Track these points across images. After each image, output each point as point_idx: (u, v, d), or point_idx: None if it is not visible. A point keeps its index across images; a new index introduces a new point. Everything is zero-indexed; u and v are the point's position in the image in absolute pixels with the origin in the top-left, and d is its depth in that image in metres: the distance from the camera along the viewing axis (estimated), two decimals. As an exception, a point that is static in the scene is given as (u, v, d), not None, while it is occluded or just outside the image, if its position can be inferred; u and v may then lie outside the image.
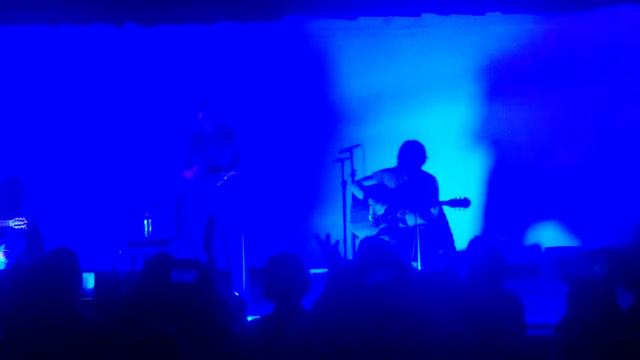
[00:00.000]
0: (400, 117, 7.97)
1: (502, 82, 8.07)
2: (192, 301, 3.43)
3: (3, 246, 6.64)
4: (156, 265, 3.76)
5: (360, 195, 6.80)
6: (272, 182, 7.95)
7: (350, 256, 6.91)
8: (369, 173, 6.97)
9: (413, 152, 6.64)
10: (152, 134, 8.07)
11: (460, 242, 6.40)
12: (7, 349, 3.33)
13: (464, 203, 6.42)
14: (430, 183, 6.71)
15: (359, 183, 6.89)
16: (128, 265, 7.01)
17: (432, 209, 6.49)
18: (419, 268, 6.24)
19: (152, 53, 8.18)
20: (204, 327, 3.38)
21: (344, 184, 7.08)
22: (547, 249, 7.79)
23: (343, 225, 7.03)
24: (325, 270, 4.04)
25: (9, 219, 6.65)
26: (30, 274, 3.61)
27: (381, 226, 6.66)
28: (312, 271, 3.82)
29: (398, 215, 6.63)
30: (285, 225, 7.97)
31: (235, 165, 6.69)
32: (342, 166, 7.13)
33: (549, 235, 7.98)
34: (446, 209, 6.61)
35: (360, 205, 6.82)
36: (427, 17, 7.80)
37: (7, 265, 6.49)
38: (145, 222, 7.09)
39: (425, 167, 6.73)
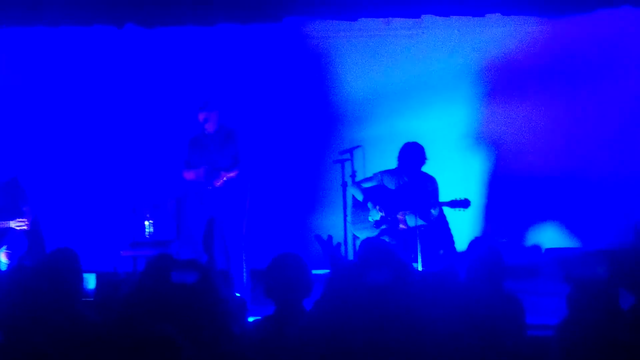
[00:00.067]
0: (400, 118, 7.98)
1: (501, 83, 8.07)
2: (193, 302, 3.43)
3: (4, 247, 6.65)
4: (157, 266, 3.76)
5: (360, 197, 6.81)
6: (273, 183, 7.95)
7: (351, 257, 6.91)
8: (369, 174, 6.98)
9: (413, 154, 6.65)
10: (152, 135, 8.07)
11: (461, 243, 6.41)
12: (9, 350, 3.34)
13: (464, 204, 6.42)
14: (430, 184, 6.71)
15: (358, 185, 6.89)
16: (129, 266, 7.02)
17: (432, 210, 6.49)
18: (420, 269, 6.24)
19: (152, 54, 8.19)
20: (204, 328, 3.38)
21: (344, 185, 7.08)
22: (547, 249, 7.79)
23: (343, 226, 7.03)
24: (327, 271, 4.05)
25: (10, 220, 6.67)
26: (32, 275, 3.62)
27: (382, 227, 6.67)
28: (313, 272, 3.82)
29: (398, 216, 6.64)
30: (286, 226, 7.98)
31: (235, 167, 6.69)
32: (343, 167, 7.14)
33: (549, 236, 7.98)
34: (446, 210, 6.62)
35: (360, 206, 6.83)
36: (427, 19, 7.80)
37: (9, 266, 6.49)
38: (146, 223, 7.10)
39: (425, 168, 6.73)
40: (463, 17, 7.75)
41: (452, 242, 6.65)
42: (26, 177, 7.15)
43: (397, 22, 7.99)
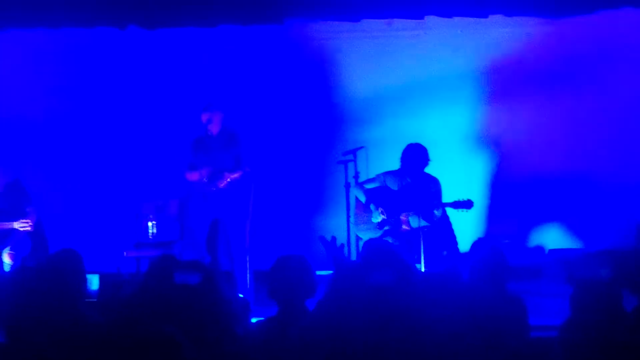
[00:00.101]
0: (403, 119, 7.98)
1: (504, 84, 8.07)
2: (196, 303, 3.43)
3: (8, 248, 6.66)
4: (160, 266, 3.77)
5: (362, 199, 6.81)
6: (276, 184, 7.95)
7: (354, 258, 6.91)
8: (372, 175, 6.98)
9: (416, 155, 6.65)
10: (155, 137, 8.07)
11: (464, 244, 6.40)
12: (12, 350, 3.34)
13: (466, 205, 6.42)
14: (433, 185, 6.71)
15: (361, 186, 6.89)
16: (132, 267, 7.03)
17: (435, 211, 6.49)
18: (423, 270, 6.24)
19: (154, 56, 8.19)
20: (207, 329, 3.38)
21: (347, 186, 7.08)
22: (551, 250, 7.78)
23: (347, 227, 7.03)
24: (330, 272, 4.05)
25: (13, 221, 6.68)
26: (35, 276, 3.63)
27: (385, 228, 6.67)
28: (317, 273, 3.82)
29: (401, 217, 6.64)
30: (289, 227, 7.98)
31: (238, 168, 6.70)
32: (346, 168, 7.13)
33: (552, 237, 7.98)
34: (449, 211, 6.61)
35: (363, 207, 6.83)
36: (430, 20, 7.80)
37: (12, 267, 6.51)
38: (149, 224, 7.11)
39: (429, 169, 6.74)
40: (466, 18, 7.75)
41: (455, 243, 6.65)
42: (29, 178, 7.16)
43: (399, 23, 7.99)
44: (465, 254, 4.50)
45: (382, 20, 7.97)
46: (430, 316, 3.37)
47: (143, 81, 8.17)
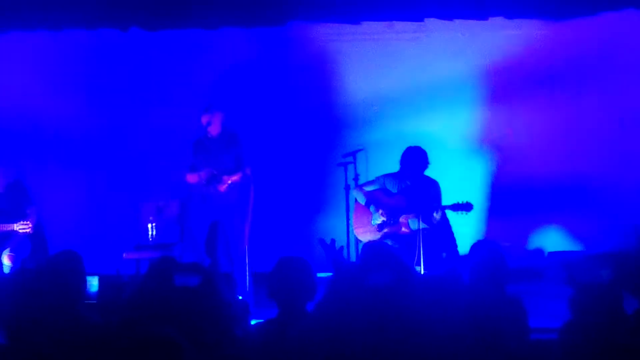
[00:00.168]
0: (403, 121, 7.98)
1: (504, 86, 8.07)
2: (196, 305, 3.43)
3: (8, 250, 6.66)
4: (159, 268, 3.77)
5: (362, 200, 6.81)
6: (276, 186, 7.96)
7: (353, 260, 6.91)
8: (372, 177, 6.98)
9: (415, 158, 6.65)
10: (156, 138, 8.08)
11: (464, 246, 6.40)
12: (12, 352, 3.34)
13: (466, 207, 6.42)
14: (432, 188, 6.72)
15: (361, 188, 6.89)
16: (132, 268, 7.02)
17: (434, 214, 6.49)
18: (422, 272, 6.24)
19: (156, 57, 8.20)
20: (207, 331, 3.38)
21: (347, 188, 7.08)
22: (550, 253, 7.78)
23: (346, 229, 7.03)
24: (329, 274, 4.05)
25: (13, 223, 6.67)
26: (35, 277, 3.63)
27: (384, 230, 6.67)
28: (317, 275, 3.82)
29: (400, 220, 6.64)
30: (289, 229, 7.98)
31: (238, 170, 6.70)
32: (346, 170, 7.14)
33: (551, 240, 7.98)
34: (449, 213, 6.61)
35: (363, 209, 6.83)
36: (430, 22, 7.80)
37: (12, 268, 6.51)
38: (149, 225, 7.10)
39: (428, 172, 6.74)
40: (466, 20, 7.75)
41: (455, 246, 6.65)
42: (30, 179, 7.16)
43: (400, 25, 7.99)
44: (465, 256, 4.50)
45: (383, 23, 7.97)
46: (430, 318, 3.37)
47: (145, 83, 8.18)
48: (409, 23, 7.89)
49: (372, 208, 6.73)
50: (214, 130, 6.77)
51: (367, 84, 8.15)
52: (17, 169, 7.11)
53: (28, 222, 6.70)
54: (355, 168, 7.12)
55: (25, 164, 7.61)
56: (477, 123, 8.12)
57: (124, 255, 7.07)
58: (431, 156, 6.73)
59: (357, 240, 6.94)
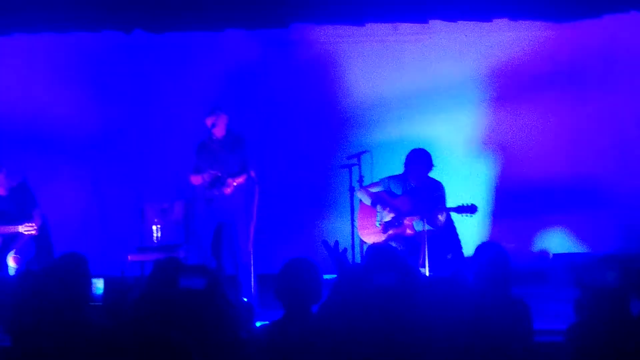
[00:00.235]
0: (407, 123, 7.98)
1: (508, 88, 8.06)
2: (201, 307, 3.44)
3: (13, 251, 6.67)
4: (164, 268, 3.78)
5: (367, 201, 6.81)
6: (280, 188, 7.96)
7: (358, 262, 6.90)
8: (376, 179, 6.98)
9: (419, 160, 6.65)
10: (160, 140, 8.09)
11: (468, 247, 6.40)
12: (17, 354, 3.35)
13: (470, 210, 6.41)
14: (437, 190, 6.71)
15: (365, 189, 6.90)
16: (136, 270, 7.03)
17: (439, 216, 6.49)
18: (427, 274, 6.24)
19: (160, 59, 8.21)
20: (212, 333, 3.39)
21: (351, 189, 7.08)
22: (555, 255, 7.77)
23: (351, 231, 7.03)
24: (334, 276, 4.06)
25: (18, 225, 6.68)
26: (40, 279, 3.63)
27: (389, 232, 6.67)
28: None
29: (405, 222, 6.64)
30: (294, 231, 7.98)
31: (243, 172, 6.70)
32: (350, 172, 7.13)
33: (556, 241, 7.97)
34: (454, 215, 6.61)
35: (368, 211, 6.83)
36: (435, 24, 7.81)
37: (17, 270, 6.51)
38: (154, 227, 7.11)
39: (433, 174, 6.73)
40: (470, 22, 7.75)
41: (460, 247, 6.64)
42: (35, 181, 7.17)
43: (404, 27, 8.00)
44: (470, 258, 4.50)
45: (387, 24, 7.97)
46: (434, 320, 3.37)
47: (148, 85, 8.19)
48: (413, 25, 7.89)
49: (378, 207, 6.73)
50: (219, 132, 6.77)
51: (371, 85, 8.15)
52: (22, 171, 7.12)
53: (33, 224, 6.70)
54: (359, 170, 7.11)
55: (30, 166, 7.62)
56: (481, 125, 8.11)
57: (129, 257, 7.08)
58: (435, 158, 6.73)
59: (362, 242, 6.94)
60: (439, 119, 7.97)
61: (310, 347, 3.39)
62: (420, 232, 6.49)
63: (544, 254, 7.95)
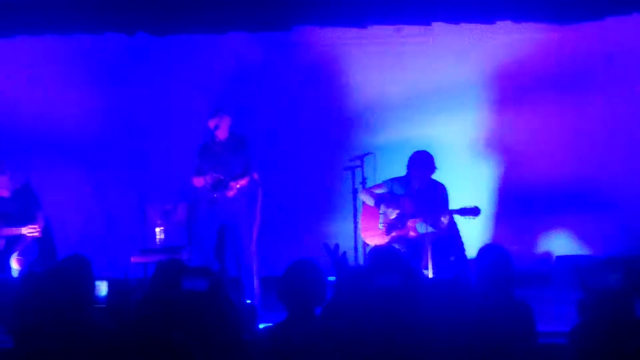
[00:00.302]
0: (410, 125, 7.98)
1: (511, 90, 8.06)
2: (204, 309, 3.44)
3: (16, 253, 6.67)
4: (167, 270, 3.78)
5: (371, 202, 6.81)
6: (283, 190, 7.96)
7: (361, 264, 6.90)
8: (379, 181, 6.98)
9: (422, 162, 6.65)
10: (163, 142, 8.09)
11: (471, 250, 6.39)
12: (20, 356, 3.35)
13: (474, 212, 6.41)
14: (439, 192, 6.71)
15: (368, 190, 6.90)
16: (139, 272, 7.03)
17: (442, 218, 6.49)
18: (430, 276, 6.23)
19: (163, 62, 8.21)
20: (215, 335, 3.39)
21: (354, 191, 7.08)
22: (558, 257, 7.77)
23: (354, 233, 7.03)
24: (333, 278, 4.06)
25: (22, 226, 6.69)
26: (44, 281, 3.63)
27: (392, 234, 6.67)
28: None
29: (408, 224, 6.64)
30: (296, 233, 7.98)
31: (246, 174, 6.70)
32: (353, 174, 7.13)
33: (560, 243, 7.96)
34: (457, 217, 6.61)
35: (370, 213, 6.83)
36: (437, 26, 7.80)
37: (21, 272, 6.52)
38: (157, 229, 7.11)
39: (435, 176, 6.73)
40: (473, 24, 7.74)
41: (463, 249, 6.64)
42: (38, 183, 7.18)
43: (407, 29, 7.99)
44: (473, 260, 4.50)
45: (390, 27, 7.97)
46: (438, 322, 3.37)
47: (151, 87, 8.19)
48: (416, 27, 7.88)
49: (382, 207, 6.73)
50: (222, 134, 6.77)
51: (374, 88, 8.15)
52: (25, 172, 7.13)
53: (36, 226, 6.71)
54: (362, 172, 7.11)
55: (33, 167, 7.63)
56: (484, 127, 8.11)
57: (132, 259, 7.08)
58: (438, 160, 6.73)
59: (365, 244, 6.94)
60: (442, 121, 7.96)
61: (314, 349, 3.39)
62: (423, 234, 6.49)
63: (547, 256, 7.94)
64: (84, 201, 8.17)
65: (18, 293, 3.60)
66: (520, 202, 8.01)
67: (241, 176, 6.69)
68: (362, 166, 7.13)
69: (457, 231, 6.71)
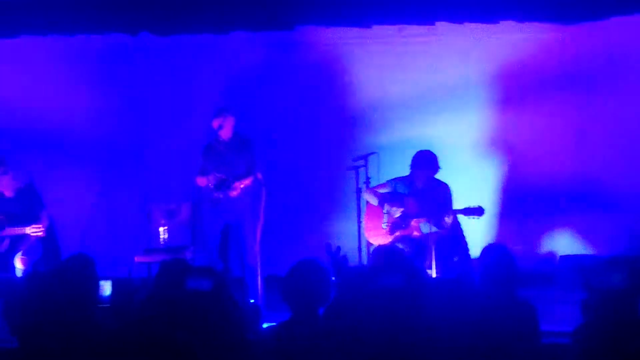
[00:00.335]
0: (414, 124, 7.98)
1: (515, 90, 8.05)
2: (207, 308, 3.44)
3: (20, 253, 6.68)
4: (171, 270, 3.78)
5: (374, 202, 6.81)
6: (287, 190, 7.96)
7: (362, 264, 6.90)
8: (383, 181, 6.98)
9: (426, 162, 6.66)
10: (167, 142, 8.10)
11: (475, 249, 6.40)
12: (24, 355, 3.36)
13: (477, 212, 6.41)
14: (443, 191, 6.71)
15: (372, 190, 6.90)
16: (144, 272, 7.04)
17: (446, 218, 6.49)
18: (434, 276, 6.23)
19: (166, 62, 8.22)
20: (218, 335, 3.39)
21: (358, 191, 7.08)
22: (562, 256, 7.76)
23: (358, 233, 7.03)
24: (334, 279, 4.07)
25: (25, 226, 6.70)
26: (48, 281, 3.64)
27: (396, 234, 6.67)
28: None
29: (412, 223, 6.64)
30: (300, 232, 7.98)
31: (250, 174, 6.71)
32: (357, 174, 7.13)
33: (563, 243, 7.95)
34: (460, 217, 6.61)
35: (374, 212, 6.83)
36: (441, 26, 7.80)
37: (25, 272, 6.53)
38: (161, 229, 7.12)
39: (439, 175, 6.73)
40: (477, 24, 7.74)
41: (467, 249, 6.64)
42: (41, 182, 7.19)
43: (410, 29, 7.99)
44: (476, 259, 4.50)
45: (394, 26, 7.97)
46: (441, 322, 3.37)
47: (155, 87, 8.20)
48: (420, 27, 7.88)
49: (386, 207, 6.74)
50: (225, 134, 6.78)
51: (377, 87, 8.15)
52: (28, 172, 7.14)
53: (40, 226, 6.72)
54: (366, 171, 7.11)
55: (37, 167, 7.64)
56: (487, 126, 8.10)
57: (135, 258, 7.09)
58: (442, 160, 6.73)
59: (369, 244, 6.94)
60: (446, 120, 7.96)
61: (317, 349, 3.39)
62: (427, 234, 6.49)
63: (551, 255, 7.94)
64: (88, 201, 8.18)
65: (22, 293, 3.59)
66: (524, 202, 8.01)
67: (245, 176, 6.69)
68: (365, 166, 7.13)
69: (461, 231, 6.71)
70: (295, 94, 8.20)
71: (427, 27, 7.86)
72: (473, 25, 7.78)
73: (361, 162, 7.16)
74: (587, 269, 5.50)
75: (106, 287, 5.85)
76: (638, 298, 3.45)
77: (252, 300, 6.40)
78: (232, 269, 6.84)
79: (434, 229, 6.46)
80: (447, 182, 6.77)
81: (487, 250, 4.26)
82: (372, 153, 7.20)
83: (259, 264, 6.62)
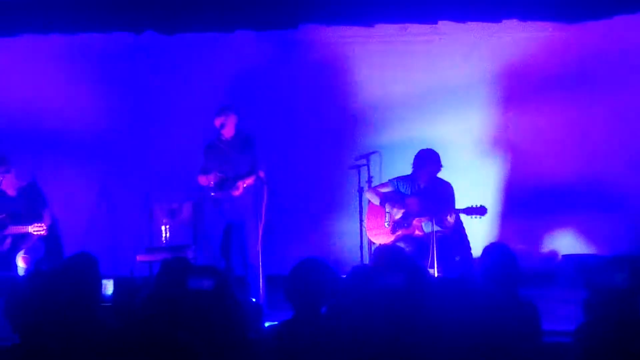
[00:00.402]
0: (416, 123, 7.98)
1: (517, 89, 8.05)
2: (209, 307, 3.45)
3: (22, 252, 6.69)
4: (173, 269, 3.78)
5: (376, 201, 6.81)
6: (289, 189, 7.96)
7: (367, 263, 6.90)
8: (385, 180, 6.98)
9: (428, 161, 6.65)
10: (169, 140, 8.10)
11: (477, 248, 6.39)
12: (27, 354, 3.36)
13: (480, 211, 6.40)
14: (445, 190, 6.71)
15: (374, 189, 6.90)
16: (145, 271, 7.05)
17: (448, 217, 6.49)
18: (436, 275, 6.23)
19: (170, 60, 8.23)
20: (220, 334, 3.40)
21: (360, 190, 7.09)
22: (564, 256, 7.76)
23: (360, 232, 7.03)
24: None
25: (28, 225, 6.70)
26: (50, 279, 3.64)
27: (397, 233, 6.67)
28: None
29: (414, 222, 6.64)
30: (302, 231, 7.98)
31: (252, 173, 6.70)
32: (359, 173, 7.13)
33: (565, 242, 7.95)
34: (462, 216, 6.60)
35: (376, 212, 6.83)
36: (444, 25, 7.80)
37: (27, 270, 6.53)
38: (163, 228, 7.12)
39: (441, 174, 6.73)
40: (479, 23, 7.74)
41: (469, 248, 6.64)
42: (44, 181, 7.20)
43: (413, 28, 7.99)
44: (478, 258, 4.50)
45: (396, 25, 7.97)
46: (443, 321, 3.37)
47: (158, 86, 8.20)
48: (423, 25, 7.89)
49: (387, 206, 6.73)
50: (228, 132, 6.77)
51: (380, 86, 8.15)
52: (31, 171, 7.15)
53: (42, 224, 6.72)
54: (368, 171, 7.11)
55: (40, 166, 7.65)
56: (490, 125, 8.10)
57: (138, 257, 7.10)
58: (444, 159, 6.72)
59: (371, 243, 6.94)
60: (448, 119, 7.96)
61: (319, 348, 3.39)
62: (429, 233, 6.49)
63: (552, 255, 7.94)
64: (91, 199, 8.18)
65: (24, 291, 3.60)
66: (526, 201, 8.00)
67: (247, 175, 6.69)
68: (367, 165, 7.13)
69: (463, 230, 6.70)
70: (297, 93, 8.20)
71: (429, 26, 7.86)
72: (475, 24, 7.78)
73: (363, 161, 7.16)
74: (589, 269, 5.50)
75: (108, 286, 5.86)
76: (639, 297, 3.45)
77: (254, 299, 6.40)
78: (234, 267, 6.84)
79: (436, 228, 6.46)
80: (449, 181, 6.77)
81: (488, 249, 4.26)
82: (374, 152, 7.19)
83: (260, 262, 6.62)
